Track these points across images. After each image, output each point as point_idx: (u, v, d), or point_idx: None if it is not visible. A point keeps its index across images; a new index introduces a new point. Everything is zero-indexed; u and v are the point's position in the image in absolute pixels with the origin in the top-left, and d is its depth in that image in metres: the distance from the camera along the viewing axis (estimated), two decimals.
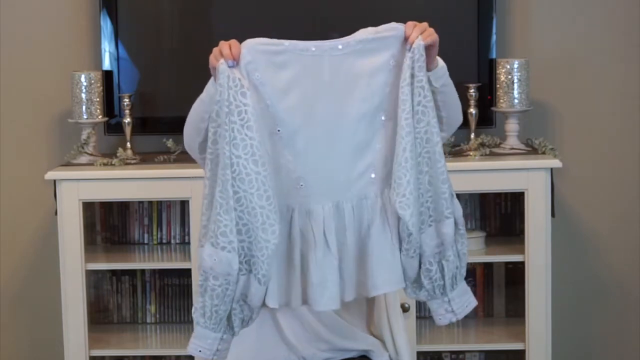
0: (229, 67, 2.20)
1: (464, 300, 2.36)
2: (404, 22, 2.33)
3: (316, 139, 2.25)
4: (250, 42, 2.22)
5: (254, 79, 2.21)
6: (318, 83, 2.24)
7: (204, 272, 2.22)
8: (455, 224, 2.32)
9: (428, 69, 2.30)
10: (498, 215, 3.85)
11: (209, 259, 2.20)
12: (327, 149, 2.26)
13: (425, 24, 2.30)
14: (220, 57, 2.22)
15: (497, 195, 3.82)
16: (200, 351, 2.27)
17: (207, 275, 2.21)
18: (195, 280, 3.49)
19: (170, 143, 3.64)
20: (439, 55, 2.34)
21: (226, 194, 2.17)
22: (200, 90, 3.85)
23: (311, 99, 2.24)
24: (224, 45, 2.23)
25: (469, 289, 2.39)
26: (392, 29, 2.28)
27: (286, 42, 2.23)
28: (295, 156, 2.25)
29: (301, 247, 2.28)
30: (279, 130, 2.23)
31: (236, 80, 2.19)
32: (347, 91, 2.25)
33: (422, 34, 2.25)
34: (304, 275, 2.28)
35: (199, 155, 2.40)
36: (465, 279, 3.69)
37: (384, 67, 2.26)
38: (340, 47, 2.24)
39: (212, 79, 2.31)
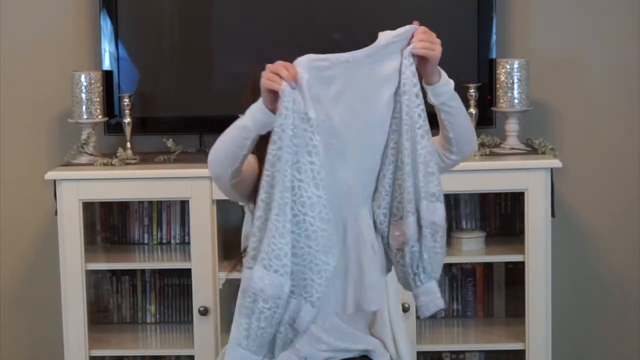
0: (292, 88, 2.18)
1: (428, 300, 2.39)
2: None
3: (359, 146, 2.30)
4: (303, 60, 2.22)
5: (312, 96, 2.21)
6: (356, 92, 2.27)
7: (253, 294, 2.18)
8: (421, 224, 2.33)
9: (427, 82, 2.33)
10: (498, 215, 3.85)
11: (260, 281, 2.17)
12: (365, 155, 2.32)
13: (432, 37, 2.30)
14: (279, 80, 2.17)
15: (497, 195, 3.82)
16: None
17: (257, 297, 2.18)
18: (196, 280, 3.50)
19: (170, 143, 3.64)
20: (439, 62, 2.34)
21: (284, 217, 2.16)
22: (201, 90, 3.85)
23: (353, 108, 2.27)
24: (279, 67, 2.19)
25: (436, 290, 2.39)
26: (406, 31, 2.31)
27: (330, 57, 2.24)
28: (345, 167, 2.29)
29: (356, 254, 2.33)
30: (333, 144, 2.24)
31: (299, 103, 2.18)
32: (376, 96, 2.29)
33: (419, 43, 2.28)
34: (361, 280, 2.33)
35: (229, 182, 2.36)
36: (466, 279, 3.70)
37: (398, 69, 2.30)
38: (370, 54, 2.27)
39: (258, 103, 2.25)
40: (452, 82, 2.37)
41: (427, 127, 2.30)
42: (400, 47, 2.29)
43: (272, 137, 2.17)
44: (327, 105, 2.23)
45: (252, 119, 2.25)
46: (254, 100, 2.50)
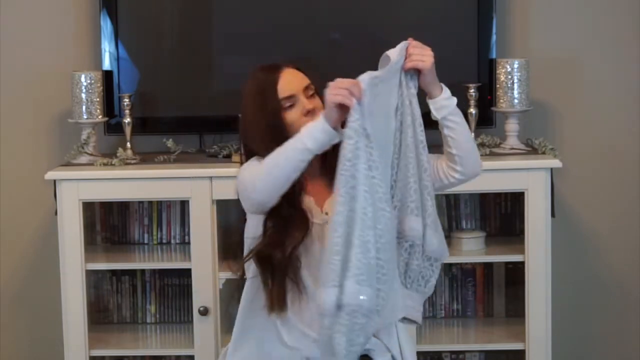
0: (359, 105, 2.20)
1: None
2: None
3: (384, 156, 2.32)
4: (365, 79, 2.23)
5: (370, 111, 2.22)
6: (384, 106, 2.30)
7: (352, 311, 2.18)
8: (412, 244, 2.38)
9: (429, 96, 2.38)
10: (498, 215, 3.85)
11: (354, 296, 2.17)
12: (386, 164, 2.34)
13: (422, 50, 2.33)
14: (350, 96, 2.18)
15: (497, 195, 3.82)
16: None
17: (355, 313, 2.18)
18: (196, 280, 3.50)
19: (170, 143, 3.64)
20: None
21: (367, 231, 2.18)
22: (201, 90, 3.84)
23: (381, 121, 2.30)
24: (347, 84, 2.20)
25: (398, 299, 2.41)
26: (402, 49, 2.34)
27: (379, 74, 2.27)
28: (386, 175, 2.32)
29: (397, 256, 2.38)
30: (381, 156, 2.27)
31: (362, 121, 2.21)
32: (390, 110, 2.33)
33: (408, 57, 2.32)
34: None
35: (271, 205, 2.35)
36: (466, 279, 3.72)
37: (397, 84, 2.36)
38: (389, 71, 2.31)
39: (318, 124, 2.25)
40: (454, 99, 2.41)
41: (412, 142, 2.34)
42: (401, 63, 2.33)
43: (346, 154, 2.18)
44: (376, 118, 2.25)
45: (313, 140, 2.25)
46: (255, 100, 2.49)
